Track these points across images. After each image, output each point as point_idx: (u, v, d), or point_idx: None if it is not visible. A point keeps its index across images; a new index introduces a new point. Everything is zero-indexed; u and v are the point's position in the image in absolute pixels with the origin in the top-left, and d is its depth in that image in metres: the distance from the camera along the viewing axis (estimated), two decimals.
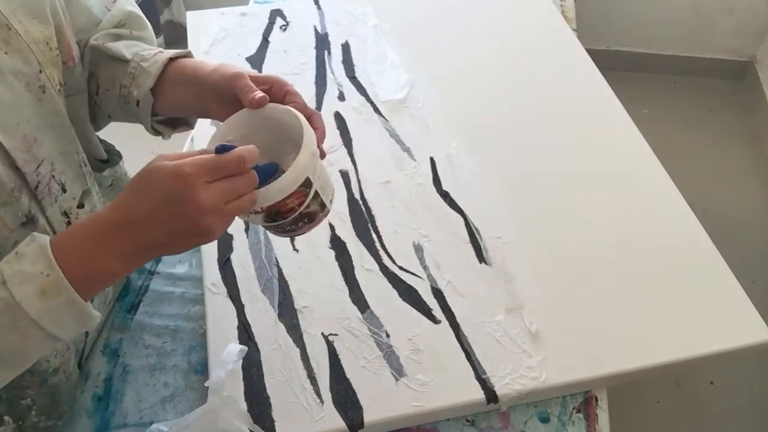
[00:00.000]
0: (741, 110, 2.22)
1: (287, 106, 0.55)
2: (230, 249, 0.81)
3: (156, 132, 0.69)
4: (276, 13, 1.20)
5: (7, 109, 0.50)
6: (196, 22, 1.17)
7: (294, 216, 0.54)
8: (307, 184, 0.52)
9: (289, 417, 0.66)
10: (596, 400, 0.72)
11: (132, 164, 0.84)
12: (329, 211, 0.58)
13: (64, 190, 0.59)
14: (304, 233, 0.58)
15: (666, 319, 0.74)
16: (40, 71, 0.53)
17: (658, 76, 2.32)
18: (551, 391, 0.70)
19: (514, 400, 0.68)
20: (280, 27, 1.17)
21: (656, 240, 0.82)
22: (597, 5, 2.16)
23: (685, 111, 2.22)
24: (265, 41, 1.14)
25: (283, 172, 0.52)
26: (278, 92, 0.58)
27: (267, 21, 1.18)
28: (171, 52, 0.65)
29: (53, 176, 0.57)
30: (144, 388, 0.71)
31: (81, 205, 0.62)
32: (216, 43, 1.13)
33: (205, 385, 0.67)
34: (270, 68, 1.08)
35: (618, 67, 2.17)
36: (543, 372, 0.69)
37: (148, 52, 0.65)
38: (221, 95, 0.58)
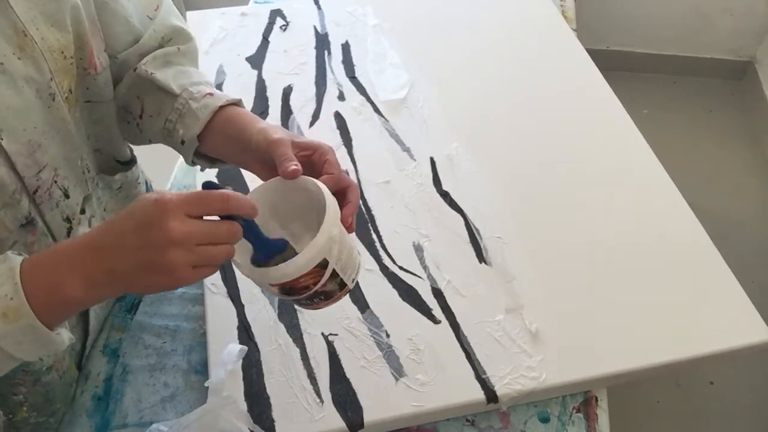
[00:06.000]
0: (741, 110, 2.22)
1: (316, 181, 0.53)
2: None
3: (194, 163, 0.68)
4: (276, 13, 1.20)
5: (14, 113, 0.50)
6: (196, 22, 1.17)
7: (308, 293, 0.53)
8: (323, 265, 0.51)
9: (289, 417, 0.66)
10: (596, 400, 0.72)
11: (148, 167, 0.84)
12: (350, 289, 0.56)
13: (66, 196, 0.59)
14: (322, 308, 0.57)
15: (666, 319, 0.74)
16: (51, 79, 0.53)
17: (658, 76, 2.33)
18: (551, 391, 0.70)
19: (514, 400, 0.68)
20: (280, 27, 1.17)
21: (656, 240, 0.82)
22: (597, 5, 2.16)
23: (685, 111, 2.22)
24: (265, 41, 1.14)
25: (293, 251, 0.51)
26: (318, 160, 0.57)
27: (267, 21, 1.18)
28: (222, 99, 0.64)
29: (55, 181, 0.57)
30: (144, 388, 0.71)
31: (83, 211, 0.62)
32: (216, 43, 1.13)
33: (205, 385, 0.67)
34: (270, 68, 1.08)
35: (618, 67, 2.17)
36: (543, 372, 0.69)
37: (197, 88, 0.65)
38: (263, 158, 0.57)
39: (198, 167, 0.67)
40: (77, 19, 0.56)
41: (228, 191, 0.47)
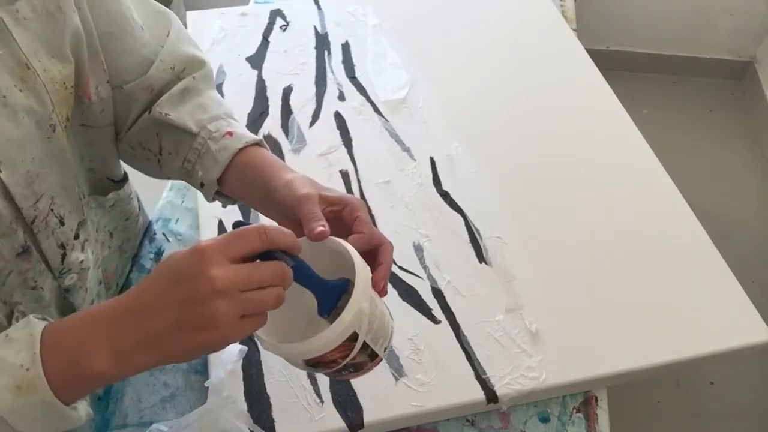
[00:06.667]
0: (741, 110, 2.22)
1: (346, 244, 0.50)
2: None
3: (214, 200, 0.65)
4: (276, 13, 1.20)
5: (14, 145, 0.49)
6: (196, 22, 1.17)
7: (337, 367, 0.49)
8: (353, 338, 0.47)
9: (289, 417, 0.66)
10: (596, 400, 0.72)
11: (140, 182, 0.82)
12: (382, 359, 0.52)
13: (62, 223, 0.57)
14: (351, 379, 0.53)
15: (666, 319, 0.74)
16: (53, 110, 0.52)
17: (658, 76, 2.33)
18: (551, 391, 0.70)
19: (514, 400, 0.68)
20: (280, 27, 1.17)
21: (656, 240, 0.82)
22: (597, 5, 2.16)
23: (685, 111, 2.22)
24: (265, 41, 1.14)
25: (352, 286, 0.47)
26: (348, 216, 0.54)
27: (267, 21, 1.18)
28: (241, 141, 0.61)
29: (52, 210, 0.55)
30: (144, 388, 0.71)
31: (76, 236, 0.61)
32: (216, 43, 1.13)
33: (205, 385, 0.67)
34: (270, 68, 1.08)
35: (618, 67, 2.17)
36: (543, 372, 0.69)
37: (216, 125, 0.62)
38: (288, 212, 0.54)
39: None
40: (78, 47, 0.54)
41: (262, 223, 0.44)
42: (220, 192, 0.64)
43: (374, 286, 0.50)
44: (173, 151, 0.64)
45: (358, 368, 0.51)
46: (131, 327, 0.42)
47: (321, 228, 0.49)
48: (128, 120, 0.65)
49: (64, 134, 0.55)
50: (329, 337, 0.45)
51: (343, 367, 0.49)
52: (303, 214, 0.51)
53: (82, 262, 0.61)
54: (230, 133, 0.62)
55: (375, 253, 0.53)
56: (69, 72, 0.54)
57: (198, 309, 0.40)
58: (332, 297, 0.48)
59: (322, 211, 0.52)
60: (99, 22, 0.57)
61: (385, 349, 0.52)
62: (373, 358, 0.51)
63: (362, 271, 0.48)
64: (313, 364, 0.48)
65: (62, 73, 0.53)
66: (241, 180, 0.61)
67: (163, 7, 0.67)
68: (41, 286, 0.57)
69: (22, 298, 0.55)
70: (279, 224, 0.56)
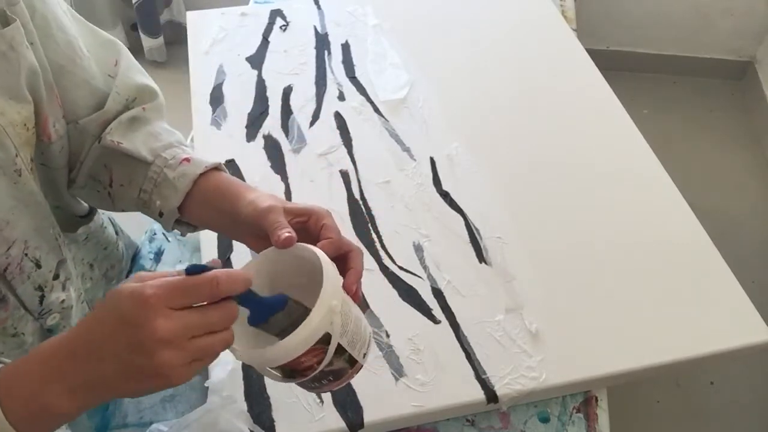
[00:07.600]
0: (741, 110, 2.22)
1: (312, 247, 0.49)
2: (230, 249, 0.81)
3: (173, 229, 0.63)
4: (276, 13, 1.20)
5: None
6: (196, 22, 1.17)
7: (314, 374, 0.47)
8: (326, 340, 0.45)
9: (289, 417, 0.66)
10: (596, 400, 0.72)
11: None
12: (362, 366, 0.51)
13: (38, 266, 0.56)
14: (332, 390, 0.52)
15: (666, 319, 0.74)
16: (17, 155, 0.50)
17: (658, 76, 2.33)
18: (551, 391, 0.70)
19: (514, 400, 0.68)
20: (280, 27, 1.17)
21: (656, 240, 0.82)
22: (597, 5, 2.16)
23: (685, 111, 2.22)
24: (265, 41, 1.14)
25: (299, 306, 0.46)
26: (314, 225, 0.53)
27: (267, 21, 1.18)
28: (200, 166, 0.59)
29: (26, 254, 0.54)
30: None
31: (56, 276, 0.59)
32: (216, 43, 1.13)
33: (205, 385, 0.67)
34: (270, 68, 1.08)
35: (618, 67, 2.17)
36: (543, 372, 0.69)
37: (171, 152, 0.60)
38: (255, 230, 0.53)
39: None
40: (34, 86, 0.53)
41: (216, 272, 0.41)
42: (180, 220, 0.61)
43: (347, 290, 0.49)
44: (126, 183, 0.61)
45: (338, 376, 0.50)
46: (80, 369, 0.41)
47: (287, 234, 0.48)
48: (81, 155, 0.62)
49: (31, 177, 0.53)
50: (300, 336, 0.43)
51: (320, 374, 0.47)
52: (267, 225, 0.50)
53: (63, 301, 0.60)
54: (187, 160, 0.59)
55: (345, 258, 0.52)
56: (29, 113, 0.52)
57: (143, 360, 0.39)
58: (267, 312, 0.47)
59: (288, 222, 0.51)
60: (51, 56, 0.55)
61: (364, 355, 0.50)
62: (353, 364, 0.50)
63: (330, 271, 0.47)
64: (290, 373, 0.47)
65: (21, 114, 0.51)
66: (204, 206, 0.59)
67: (110, 36, 0.65)
68: (22, 332, 0.56)
69: (3, 346, 0.55)
70: (250, 246, 0.56)
